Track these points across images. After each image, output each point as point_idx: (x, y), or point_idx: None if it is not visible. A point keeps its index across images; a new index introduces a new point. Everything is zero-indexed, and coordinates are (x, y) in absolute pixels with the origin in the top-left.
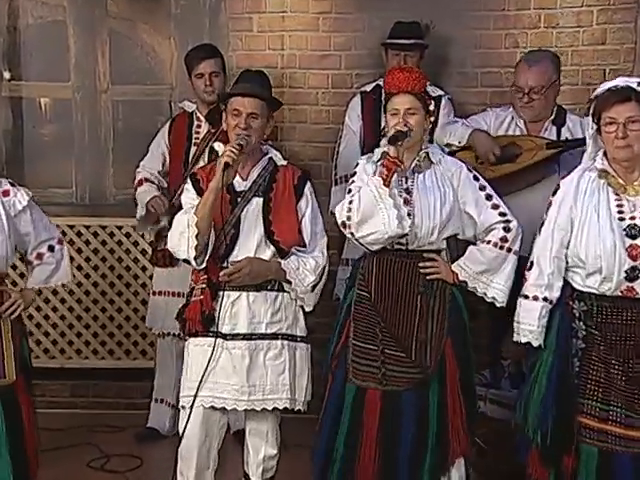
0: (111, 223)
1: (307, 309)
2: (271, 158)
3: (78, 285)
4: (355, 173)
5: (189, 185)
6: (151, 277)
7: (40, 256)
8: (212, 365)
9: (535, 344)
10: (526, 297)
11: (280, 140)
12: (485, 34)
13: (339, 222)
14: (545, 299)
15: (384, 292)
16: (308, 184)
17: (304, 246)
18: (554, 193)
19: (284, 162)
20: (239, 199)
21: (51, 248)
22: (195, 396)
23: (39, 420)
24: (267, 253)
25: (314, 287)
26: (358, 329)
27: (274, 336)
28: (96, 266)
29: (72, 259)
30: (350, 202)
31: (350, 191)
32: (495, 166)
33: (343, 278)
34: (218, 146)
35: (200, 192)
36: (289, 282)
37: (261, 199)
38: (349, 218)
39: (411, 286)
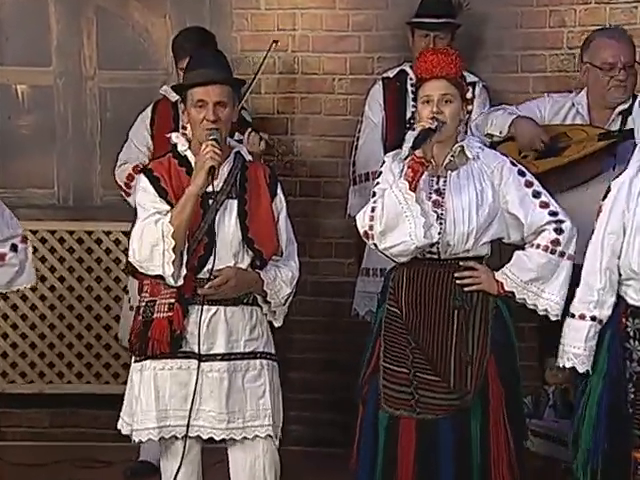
0: (98, 228)
1: (276, 324)
2: (239, 152)
3: (60, 299)
4: (380, 173)
5: (146, 184)
6: None
7: (2, 257)
8: (190, 391)
9: (581, 370)
10: (572, 316)
11: (291, 134)
12: (527, 11)
13: (360, 232)
14: (593, 318)
15: (415, 307)
16: (279, 183)
17: (280, 253)
18: (604, 197)
19: (250, 157)
20: (210, 201)
21: (14, 247)
22: (188, 425)
23: (14, 454)
24: (246, 262)
25: (286, 300)
26: (388, 350)
27: (252, 355)
28: (80, 277)
29: (54, 269)
30: (372, 209)
31: (374, 194)
32: (538, 161)
33: (362, 290)
34: (177, 137)
35: (162, 193)
36: (265, 293)
37: (235, 201)
38: (371, 227)
39: (446, 300)
